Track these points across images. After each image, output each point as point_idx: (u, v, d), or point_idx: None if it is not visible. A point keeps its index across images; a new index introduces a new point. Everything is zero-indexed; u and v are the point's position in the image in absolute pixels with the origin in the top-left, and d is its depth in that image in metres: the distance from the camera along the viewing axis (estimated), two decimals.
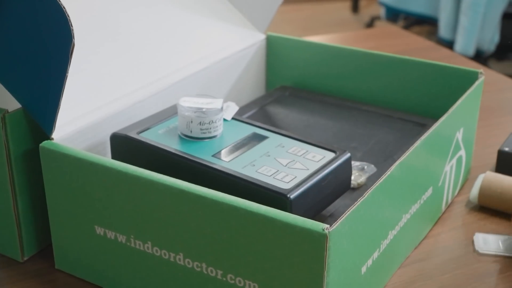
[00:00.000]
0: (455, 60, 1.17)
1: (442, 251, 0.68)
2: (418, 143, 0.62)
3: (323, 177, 0.57)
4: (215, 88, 0.80)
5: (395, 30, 1.36)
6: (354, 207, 0.52)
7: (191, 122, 0.61)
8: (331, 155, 0.60)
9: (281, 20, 3.75)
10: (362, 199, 0.53)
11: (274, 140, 0.62)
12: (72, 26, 0.55)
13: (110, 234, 0.60)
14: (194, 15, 0.83)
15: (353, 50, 0.85)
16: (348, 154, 0.61)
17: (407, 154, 0.60)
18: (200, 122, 0.60)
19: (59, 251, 0.64)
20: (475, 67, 1.15)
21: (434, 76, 0.80)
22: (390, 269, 0.64)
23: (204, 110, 0.61)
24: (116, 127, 0.65)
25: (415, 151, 0.62)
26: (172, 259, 0.57)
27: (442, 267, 0.66)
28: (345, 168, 0.60)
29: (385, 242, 0.60)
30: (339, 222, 0.50)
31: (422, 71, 0.81)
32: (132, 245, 0.59)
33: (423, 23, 3.30)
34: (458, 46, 2.70)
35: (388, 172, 0.57)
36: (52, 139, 0.61)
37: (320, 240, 0.49)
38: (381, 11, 3.34)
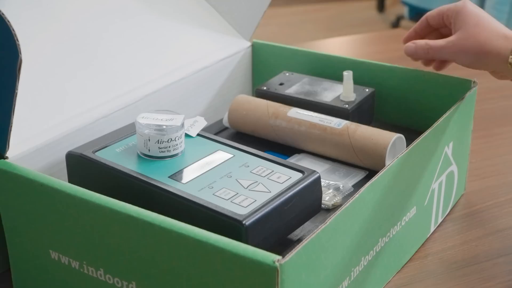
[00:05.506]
0: None
1: (426, 275, 0.63)
2: (395, 161, 0.58)
3: (285, 200, 0.53)
4: (192, 100, 0.76)
5: (403, 33, 1.31)
6: (314, 235, 0.48)
7: (149, 140, 0.57)
8: (298, 175, 0.56)
9: (305, 20, 3.70)
10: (323, 226, 0.49)
11: (239, 159, 0.58)
12: (18, 41, 0.51)
13: (64, 260, 0.56)
14: (173, 23, 0.79)
15: (341, 58, 0.80)
16: (317, 175, 0.56)
17: (381, 173, 0.56)
18: (158, 140, 0.57)
19: (17, 275, 0.61)
20: (481, 73, 1.09)
21: (425, 86, 0.75)
22: None
23: (162, 127, 0.57)
24: (77, 145, 0.62)
25: (391, 170, 0.57)
26: None
27: None
28: (313, 189, 0.56)
29: (357, 269, 0.56)
30: (294, 253, 0.46)
31: (413, 80, 0.76)
32: (85, 271, 0.55)
33: None
34: None
35: (356, 195, 0.53)
36: (7, 158, 0.58)
37: (270, 273, 0.45)
38: (405, 11, 3.27)
